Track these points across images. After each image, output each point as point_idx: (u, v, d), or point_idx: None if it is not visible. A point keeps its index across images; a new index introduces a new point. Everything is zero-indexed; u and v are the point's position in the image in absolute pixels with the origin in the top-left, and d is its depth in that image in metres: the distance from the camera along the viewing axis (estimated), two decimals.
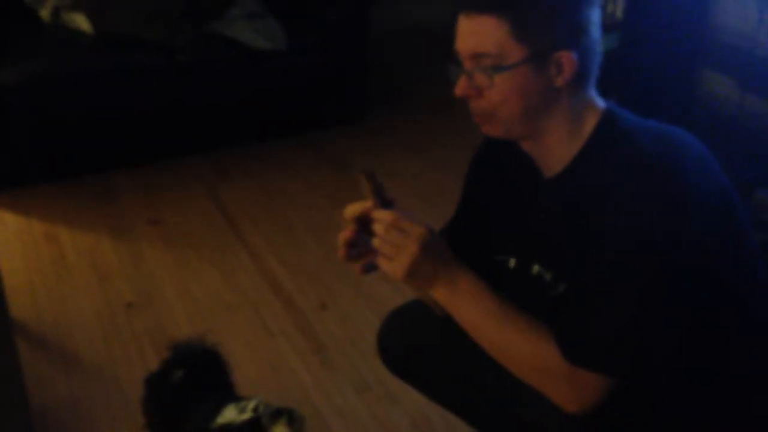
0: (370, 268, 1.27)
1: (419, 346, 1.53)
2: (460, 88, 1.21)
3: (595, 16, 1.21)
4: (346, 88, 3.40)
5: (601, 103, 1.24)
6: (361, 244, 1.26)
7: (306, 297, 2.44)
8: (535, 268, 1.32)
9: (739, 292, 1.24)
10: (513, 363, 1.22)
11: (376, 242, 1.21)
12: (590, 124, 1.22)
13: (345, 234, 1.26)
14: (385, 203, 1.23)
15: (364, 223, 1.25)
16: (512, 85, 1.18)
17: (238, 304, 2.41)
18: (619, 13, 2.85)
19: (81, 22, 3.06)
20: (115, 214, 2.90)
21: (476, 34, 1.18)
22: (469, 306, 1.22)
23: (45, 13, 3.09)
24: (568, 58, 1.17)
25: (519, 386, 1.33)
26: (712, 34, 2.62)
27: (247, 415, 1.33)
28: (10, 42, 2.99)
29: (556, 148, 1.24)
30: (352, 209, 1.25)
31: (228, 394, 1.48)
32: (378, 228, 1.21)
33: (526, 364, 1.20)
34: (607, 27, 2.94)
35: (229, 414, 1.36)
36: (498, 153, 1.36)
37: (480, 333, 1.23)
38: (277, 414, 1.36)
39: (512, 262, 1.37)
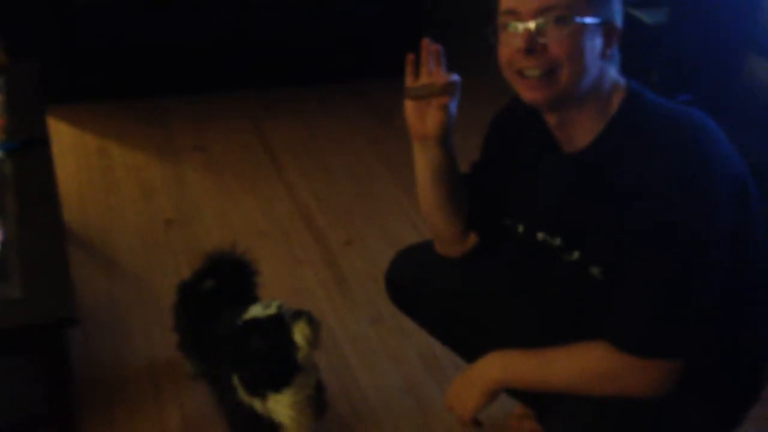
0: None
1: (424, 282, 1.62)
2: (527, 42, 1.21)
3: None
4: (400, 40, 3.47)
5: (624, 82, 1.29)
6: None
7: (334, 232, 2.57)
8: (540, 235, 1.39)
9: (755, 268, 1.30)
10: (587, 385, 1.28)
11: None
12: (616, 100, 1.27)
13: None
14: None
15: None
16: (579, 40, 1.21)
17: (270, 232, 2.55)
18: None
19: None
20: (164, 137, 3.05)
21: None
22: (520, 369, 1.34)
23: None
24: (616, 32, 1.24)
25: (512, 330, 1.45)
26: (759, 17, 2.63)
27: (271, 311, 1.47)
28: None
29: (583, 124, 1.29)
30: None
31: (254, 301, 1.61)
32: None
33: (594, 379, 1.27)
34: (656, 1, 2.97)
35: (255, 310, 1.49)
36: (518, 120, 1.41)
37: (543, 380, 1.33)
38: (298, 314, 1.50)
39: (521, 228, 1.44)
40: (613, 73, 1.28)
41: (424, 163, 1.46)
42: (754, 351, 1.38)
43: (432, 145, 1.43)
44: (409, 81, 1.41)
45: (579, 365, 1.29)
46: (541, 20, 1.21)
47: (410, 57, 1.41)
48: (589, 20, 1.21)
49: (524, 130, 1.39)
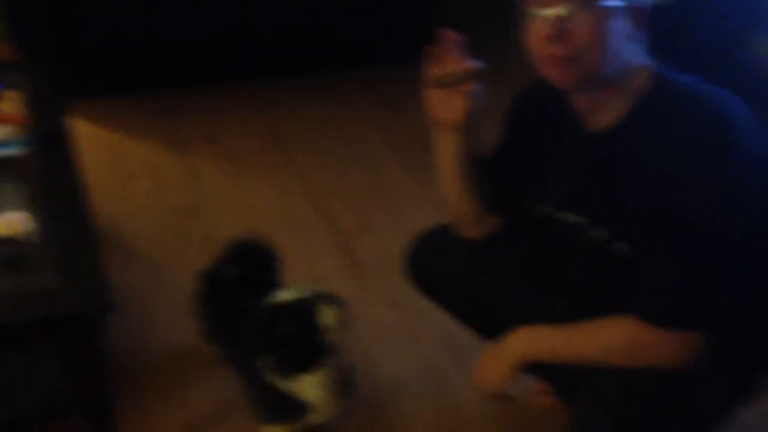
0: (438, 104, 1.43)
1: (444, 263, 1.66)
2: (553, 28, 1.23)
3: None
4: (410, 27, 3.50)
5: (650, 62, 1.31)
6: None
7: (348, 219, 2.61)
8: (564, 215, 1.42)
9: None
10: (614, 357, 1.32)
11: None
12: (643, 81, 1.29)
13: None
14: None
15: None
16: (604, 24, 1.23)
17: (283, 220, 2.59)
18: None
19: None
20: (175, 129, 3.08)
21: None
22: (546, 342, 1.39)
23: None
24: (644, 12, 1.25)
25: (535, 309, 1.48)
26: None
27: (299, 295, 1.51)
28: None
29: (608, 104, 1.31)
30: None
31: (278, 287, 1.64)
32: None
33: (621, 352, 1.31)
34: None
35: (283, 295, 1.53)
36: (541, 101, 1.44)
37: (569, 353, 1.37)
38: (326, 297, 1.54)
39: (544, 208, 1.47)
40: (640, 54, 1.30)
41: (447, 151, 1.49)
42: None
43: (455, 133, 1.46)
44: (434, 71, 1.42)
45: (606, 338, 1.33)
46: (566, 6, 1.23)
47: (431, 48, 1.42)
48: (613, 3, 1.23)
49: (546, 110, 1.42)
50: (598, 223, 1.37)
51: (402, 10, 3.43)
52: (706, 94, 1.29)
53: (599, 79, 1.29)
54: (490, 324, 1.63)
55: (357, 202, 2.70)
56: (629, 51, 1.28)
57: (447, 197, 1.57)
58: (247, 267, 1.81)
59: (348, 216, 2.63)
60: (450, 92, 1.42)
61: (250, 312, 1.61)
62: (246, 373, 1.73)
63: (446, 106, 1.43)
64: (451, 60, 1.41)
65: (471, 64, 1.41)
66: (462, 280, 1.64)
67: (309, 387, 1.58)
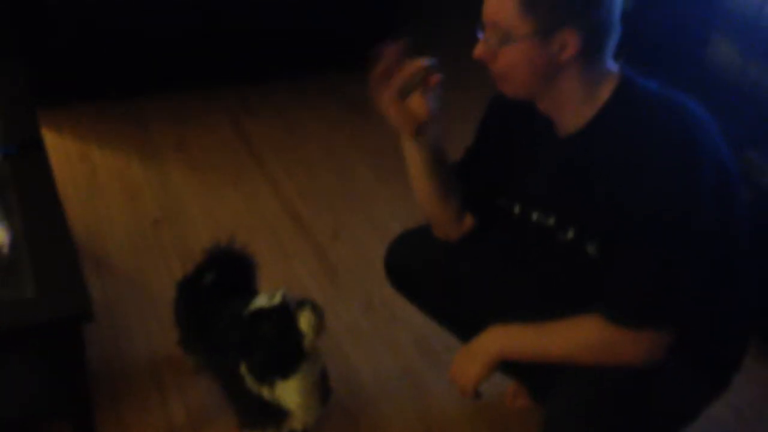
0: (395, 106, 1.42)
1: (422, 263, 1.69)
2: (478, 50, 1.33)
3: None
4: (375, 34, 3.52)
5: (618, 70, 1.34)
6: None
7: (321, 224, 2.62)
8: (536, 215, 1.46)
9: (737, 246, 1.38)
10: (583, 356, 1.35)
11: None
12: (605, 91, 1.33)
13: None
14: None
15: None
16: (519, 56, 1.29)
17: (256, 227, 2.59)
18: None
19: None
20: (144, 137, 3.07)
21: (494, 4, 1.30)
22: (519, 341, 1.42)
23: None
24: (572, 37, 1.27)
25: (510, 309, 1.51)
26: (721, 1, 2.74)
27: (277, 301, 1.52)
28: None
29: (570, 112, 1.36)
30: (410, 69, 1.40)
31: (255, 294, 1.65)
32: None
33: (589, 350, 1.34)
34: None
35: (260, 301, 1.54)
36: (515, 103, 1.45)
37: (541, 351, 1.40)
38: (303, 303, 1.55)
39: (517, 208, 1.51)
40: (596, 66, 1.32)
41: (415, 155, 1.51)
42: (738, 322, 1.47)
43: (420, 137, 1.48)
44: (392, 83, 1.41)
45: (575, 336, 1.37)
46: (488, 34, 1.31)
47: (378, 65, 1.42)
48: (534, 36, 1.27)
49: (520, 112, 1.44)
50: (568, 224, 1.41)
51: (370, 15, 3.46)
52: (669, 98, 1.33)
53: (532, 97, 1.36)
54: (467, 324, 1.66)
55: (329, 206, 2.72)
56: (559, 74, 1.31)
57: (420, 201, 1.59)
58: (224, 274, 1.81)
59: (321, 220, 2.64)
60: (410, 98, 1.42)
61: (229, 318, 1.62)
62: (225, 380, 1.74)
63: (407, 113, 1.44)
64: (401, 68, 1.41)
65: (422, 62, 1.41)
66: (439, 279, 1.67)
67: (288, 392, 1.59)
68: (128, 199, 2.71)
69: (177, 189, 2.77)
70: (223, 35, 3.29)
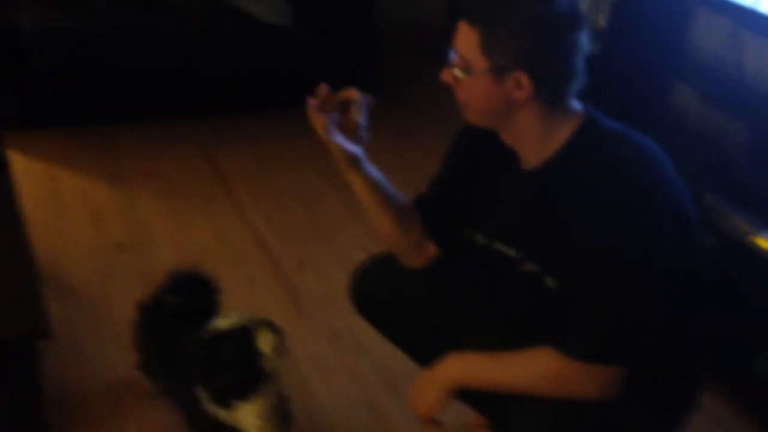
0: (332, 131, 1.46)
1: (387, 290, 1.69)
2: (445, 75, 1.38)
3: (576, 39, 1.29)
4: (344, 71, 3.58)
5: (581, 110, 1.37)
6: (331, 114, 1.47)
7: (287, 254, 2.62)
8: (498, 246, 1.48)
9: (693, 286, 1.40)
10: (538, 387, 1.36)
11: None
12: (566, 130, 1.36)
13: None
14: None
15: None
16: (475, 89, 1.34)
17: (223, 255, 2.58)
18: (602, 22, 3.05)
19: None
20: (113, 163, 3.06)
21: (459, 36, 1.34)
22: (476, 369, 1.43)
23: None
24: (525, 80, 1.30)
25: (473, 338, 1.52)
26: (686, 50, 2.82)
27: (235, 322, 1.51)
28: None
29: (529, 147, 1.39)
30: (340, 96, 1.46)
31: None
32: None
33: (544, 382, 1.35)
34: (591, 35, 3.14)
35: (219, 322, 1.54)
36: (483, 134, 1.48)
37: (498, 381, 1.41)
38: (262, 323, 1.54)
39: (480, 238, 1.53)
40: (556, 107, 1.35)
41: (363, 185, 1.53)
42: (693, 362, 1.49)
43: (358, 166, 1.51)
44: (321, 116, 1.47)
45: (530, 368, 1.37)
46: (454, 60, 1.35)
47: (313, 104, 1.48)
48: (490, 73, 1.31)
49: (489, 142, 1.47)
50: (529, 257, 1.43)
51: (339, 50, 3.51)
52: (629, 138, 1.36)
53: (493, 128, 1.40)
54: (429, 351, 1.65)
55: (296, 236, 2.72)
56: (518, 109, 1.34)
57: (379, 232, 1.61)
58: (186, 297, 1.80)
59: (288, 250, 2.64)
60: (343, 129, 1.47)
61: (188, 340, 1.60)
62: (184, 403, 1.72)
63: (341, 146, 1.47)
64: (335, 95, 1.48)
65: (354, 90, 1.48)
66: (403, 306, 1.67)
67: (247, 416, 1.57)
68: (94, 223, 2.69)
69: (144, 215, 2.76)
70: (196, 70, 3.32)
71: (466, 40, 1.33)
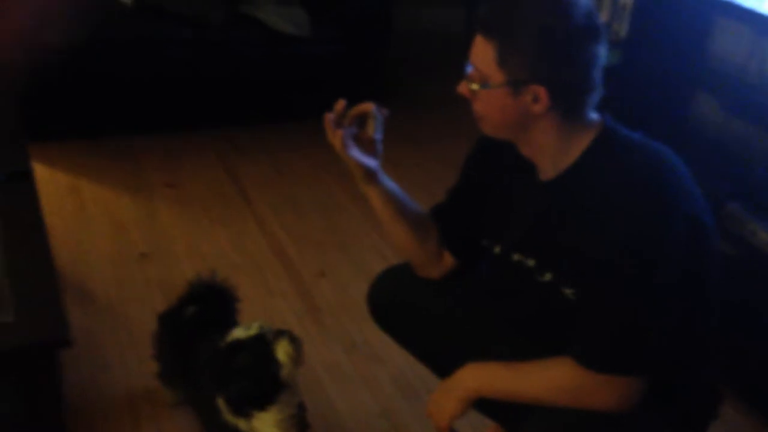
0: (348, 145, 1.49)
1: (405, 300, 1.69)
2: (462, 87, 1.38)
3: (594, 51, 1.28)
4: (362, 81, 3.60)
5: (598, 120, 1.36)
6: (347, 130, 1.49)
7: (306, 264, 2.63)
8: (516, 257, 1.48)
9: (708, 295, 1.39)
10: (555, 397, 1.35)
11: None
12: (584, 141, 1.35)
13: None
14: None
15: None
16: (492, 102, 1.34)
17: (242, 264, 2.60)
18: (623, 32, 3.04)
19: None
20: (134, 174, 3.09)
21: (476, 49, 1.34)
22: (494, 379, 1.42)
23: None
24: (542, 93, 1.30)
25: (489, 347, 1.52)
26: (706, 59, 2.80)
27: (253, 331, 1.52)
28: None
29: (546, 159, 1.39)
30: (356, 110, 1.48)
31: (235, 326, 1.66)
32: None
33: (562, 392, 1.34)
34: (611, 44, 3.13)
35: (237, 332, 1.55)
36: (500, 145, 1.48)
37: (515, 391, 1.40)
38: (280, 333, 1.55)
39: (497, 249, 1.53)
40: (574, 118, 1.35)
41: (375, 199, 1.55)
42: (710, 371, 1.48)
43: (375, 180, 1.53)
44: (338, 130, 1.49)
45: (547, 379, 1.37)
46: (471, 73, 1.35)
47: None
48: (506, 86, 1.31)
49: (505, 154, 1.47)
50: (545, 267, 1.42)
51: (357, 61, 3.53)
52: (646, 148, 1.35)
53: (509, 140, 1.40)
54: (447, 361, 1.66)
55: (315, 246, 2.73)
56: (531, 123, 1.34)
57: (395, 246, 1.62)
58: (205, 307, 1.82)
59: (306, 260, 2.65)
60: (359, 142, 1.49)
61: (207, 350, 1.62)
62: (203, 413, 1.73)
63: (357, 157, 1.49)
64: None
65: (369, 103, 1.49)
66: (420, 317, 1.68)
67: (265, 425, 1.58)
68: (116, 232, 2.72)
69: (164, 225, 2.79)
70: (216, 81, 3.36)
71: (482, 54, 1.33)
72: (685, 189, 1.33)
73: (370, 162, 1.50)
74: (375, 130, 1.48)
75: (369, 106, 1.48)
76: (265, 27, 3.35)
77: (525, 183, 1.46)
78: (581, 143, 1.36)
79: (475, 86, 1.35)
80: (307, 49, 3.44)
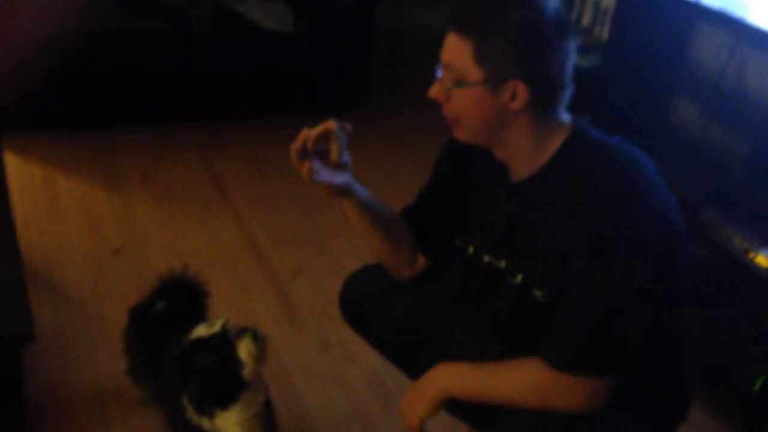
0: (316, 172, 1.43)
1: (376, 301, 1.68)
2: (433, 91, 1.36)
3: (568, 45, 1.29)
4: (345, 78, 3.58)
5: (570, 121, 1.36)
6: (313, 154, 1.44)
7: (282, 262, 2.61)
8: (488, 258, 1.47)
9: (677, 296, 1.39)
10: (524, 398, 1.34)
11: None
12: (556, 141, 1.35)
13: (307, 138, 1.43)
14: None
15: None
16: (469, 101, 1.32)
17: (218, 261, 2.58)
18: (604, 36, 3.05)
19: None
20: (111, 167, 3.06)
21: (449, 48, 1.32)
22: (465, 379, 1.41)
23: None
24: (521, 89, 1.29)
25: (461, 348, 1.51)
26: (685, 64, 2.81)
27: (216, 329, 1.50)
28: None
29: (521, 159, 1.38)
30: (317, 130, 1.43)
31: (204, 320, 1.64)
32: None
33: (529, 393, 1.34)
34: (592, 47, 3.14)
35: (200, 330, 1.53)
36: (470, 146, 1.46)
37: (486, 391, 1.39)
38: (243, 331, 1.53)
39: (470, 249, 1.52)
40: (548, 117, 1.34)
41: (353, 210, 1.52)
42: (681, 373, 1.48)
43: (351, 193, 1.50)
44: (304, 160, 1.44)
45: (516, 379, 1.36)
46: (444, 75, 1.33)
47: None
48: (484, 84, 1.29)
49: (477, 156, 1.46)
50: (516, 269, 1.42)
51: (339, 57, 3.52)
52: (616, 149, 1.35)
53: (484, 142, 1.38)
54: (419, 362, 1.65)
55: (293, 245, 2.71)
56: (507, 121, 1.33)
57: (371, 251, 1.61)
58: (175, 302, 1.79)
59: (283, 258, 2.63)
60: (326, 163, 1.45)
61: (171, 347, 1.59)
62: (168, 410, 1.71)
63: (327, 180, 1.45)
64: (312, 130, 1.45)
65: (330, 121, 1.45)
66: (391, 317, 1.66)
67: (228, 424, 1.56)
68: (90, 226, 2.69)
69: (140, 219, 2.76)
70: (196, 73, 3.33)
71: (458, 52, 1.31)
72: (654, 189, 1.33)
73: (341, 179, 1.47)
74: (339, 152, 1.44)
75: (331, 125, 1.44)
76: (247, 22, 3.32)
77: (496, 184, 1.45)
78: (554, 143, 1.35)
79: (450, 86, 1.33)
80: (290, 45, 3.41)
